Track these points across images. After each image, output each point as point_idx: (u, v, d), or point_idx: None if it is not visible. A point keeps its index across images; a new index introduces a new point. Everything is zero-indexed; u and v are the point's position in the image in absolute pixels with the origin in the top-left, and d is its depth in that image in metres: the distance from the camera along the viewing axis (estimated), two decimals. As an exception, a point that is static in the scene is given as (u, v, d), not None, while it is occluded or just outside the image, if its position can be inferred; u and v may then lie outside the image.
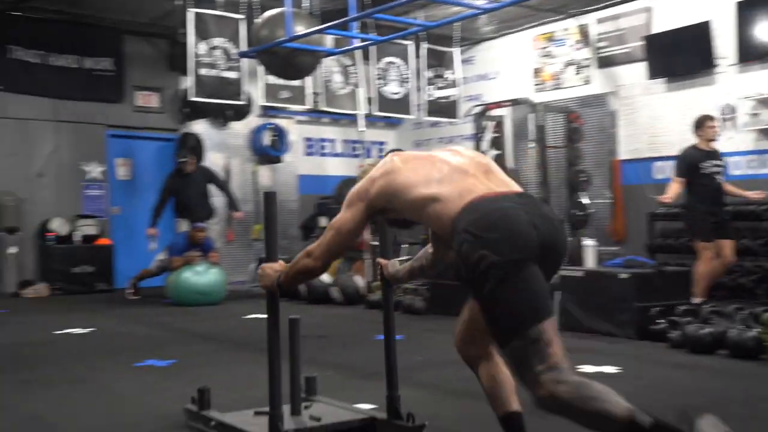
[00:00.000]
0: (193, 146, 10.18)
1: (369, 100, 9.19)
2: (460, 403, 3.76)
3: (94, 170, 9.78)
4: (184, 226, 9.11)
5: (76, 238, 9.22)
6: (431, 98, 9.43)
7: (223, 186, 9.35)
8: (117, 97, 9.90)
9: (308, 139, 11.52)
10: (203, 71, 7.83)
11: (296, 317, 3.08)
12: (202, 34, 7.74)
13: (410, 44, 9.17)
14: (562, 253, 2.20)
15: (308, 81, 8.64)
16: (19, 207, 9.07)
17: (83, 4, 9.04)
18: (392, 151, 2.56)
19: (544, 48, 10.00)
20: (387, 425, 2.90)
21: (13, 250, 8.94)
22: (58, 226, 9.20)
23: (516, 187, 2.33)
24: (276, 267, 2.68)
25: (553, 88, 9.84)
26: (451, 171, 2.32)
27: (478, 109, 9.65)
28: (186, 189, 8.93)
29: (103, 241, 9.48)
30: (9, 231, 8.94)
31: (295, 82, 8.59)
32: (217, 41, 7.86)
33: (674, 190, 6.35)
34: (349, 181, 9.93)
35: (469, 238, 2.10)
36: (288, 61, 7.16)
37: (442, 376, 4.37)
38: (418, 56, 9.24)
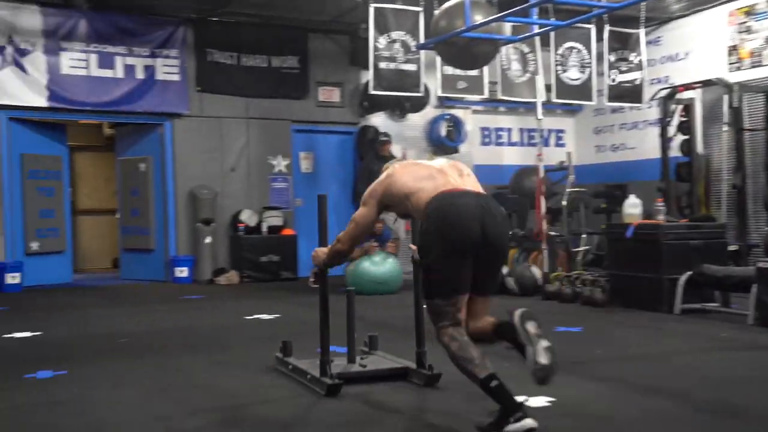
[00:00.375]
0: (372, 138, 10.44)
1: (547, 87, 8.96)
2: (642, 399, 3.59)
3: (280, 164, 10.30)
4: None
5: (263, 229, 9.77)
6: (614, 83, 9.04)
7: None
8: (301, 93, 10.38)
9: (484, 129, 11.45)
10: (383, 65, 8.00)
11: (351, 289, 4.29)
12: (382, 28, 7.91)
13: (592, 28, 8.83)
14: (499, 245, 3.03)
15: (485, 70, 8.57)
16: (214, 200, 9.76)
17: (272, 6, 9.54)
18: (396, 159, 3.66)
19: (743, 23, 9.23)
20: (415, 372, 3.87)
21: (208, 240, 9.65)
22: (248, 217, 9.79)
23: (479, 189, 3.15)
24: (324, 250, 3.67)
25: (752, 66, 9.06)
26: (433, 171, 3.16)
27: (665, 93, 9.12)
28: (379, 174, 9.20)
29: (288, 232, 9.98)
30: (205, 222, 9.64)
31: (473, 72, 8.55)
32: (396, 34, 8.00)
33: None
34: (525, 171, 9.74)
35: (427, 221, 3.00)
36: (466, 51, 7.14)
37: (622, 371, 4.19)
38: (600, 40, 8.88)
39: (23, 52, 8.84)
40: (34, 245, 9.17)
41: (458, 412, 3.30)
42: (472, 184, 3.16)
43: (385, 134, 9.71)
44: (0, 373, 4.21)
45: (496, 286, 3.19)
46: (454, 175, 3.18)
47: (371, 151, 10.26)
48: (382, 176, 3.33)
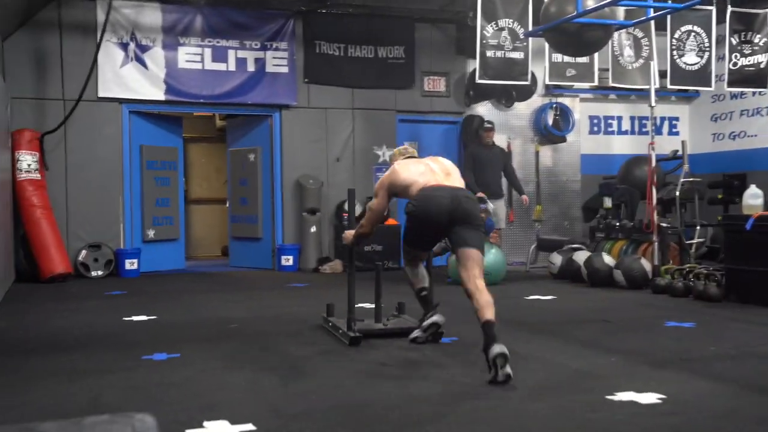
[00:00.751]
0: (476, 128, 10.37)
1: (661, 73, 8.63)
2: (760, 399, 3.44)
3: (385, 153, 10.39)
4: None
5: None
6: (735, 67, 8.61)
7: (512, 171, 9.46)
8: (407, 83, 10.43)
9: (593, 118, 11.16)
10: (490, 53, 7.93)
11: (379, 263, 5.72)
12: (490, 16, 7.85)
13: (713, 9, 8.44)
14: (468, 216, 4.26)
15: (596, 57, 8.36)
16: (319, 189, 9.96)
17: (379, -3, 9.65)
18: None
19: None
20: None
21: (313, 229, 9.86)
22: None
23: (457, 184, 4.41)
24: (351, 233, 4.84)
25: None
26: (426, 170, 4.42)
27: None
28: (483, 161, 9.18)
29: (391, 222, 10.06)
30: (310, 212, 9.86)
31: (582, 59, 8.36)
32: (504, 22, 7.91)
33: None
34: (636, 160, 9.44)
35: (411, 203, 4.36)
36: (577, 38, 6.99)
37: (738, 370, 4.02)
38: (721, 22, 8.47)
39: (144, 48, 9.30)
40: (151, 233, 9.64)
41: (445, 359, 3.53)
42: (453, 180, 4.40)
43: (489, 121, 9.63)
44: (120, 354, 4.46)
45: (477, 243, 4.30)
46: (441, 173, 4.41)
47: (476, 140, 10.22)
48: (388, 171, 4.55)
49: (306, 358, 4.33)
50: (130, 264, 9.06)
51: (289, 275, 9.20)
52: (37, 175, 8.62)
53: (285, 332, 5.19)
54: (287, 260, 9.69)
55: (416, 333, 4.76)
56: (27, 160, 8.56)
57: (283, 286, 8.13)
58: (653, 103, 7.89)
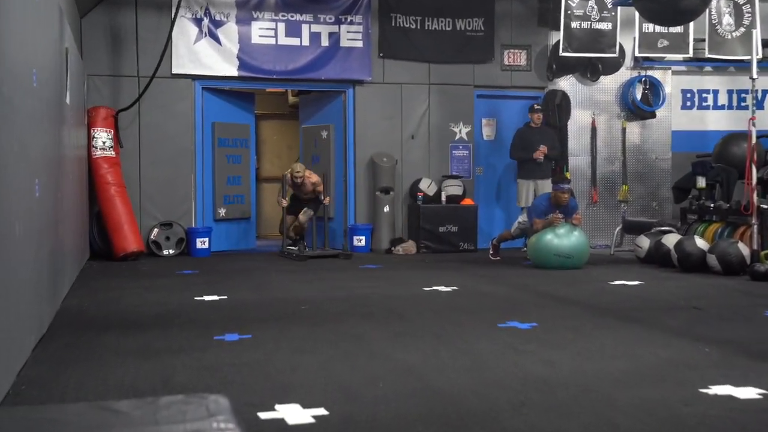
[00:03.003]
0: (558, 103, 10.18)
1: (764, 43, 8.25)
2: None
3: (461, 131, 10.30)
4: (525, 186, 9.30)
5: (442, 198, 9.83)
6: None
7: (554, 154, 9.49)
8: (486, 57, 10.28)
9: (686, 92, 10.80)
10: (575, 24, 7.75)
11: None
12: (576, -15, 7.64)
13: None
14: None
15: (691, 26, 8.06)
16: (393, 168, 9.94)
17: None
18: None
19: None
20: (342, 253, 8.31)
21: (386, 209, 9.87)
22: (427, 186, 9.89)
23: None
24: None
25: None
26: None
27: None
28: (531, 143, 9.16)
29: (467, 202, 9.98)
30: (384, 191, 9.86)
31: (676, 29, 8.07)
32: (591, -8, 7.70)
33: None
34: (734, 137, 9.07)
35: None
36: (671, 6, 6.74)
37: None
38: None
39: (218, 24, 9.43)
40: (222, 211, 9.83)
41: (524, 345, 3.26)
42: None
43: (537, 103, 9.54)
44: (193, 333, 4.56)
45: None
46: None
47: (560, 115, 10.05)
48: None
49: (379, 340, 4.33)
50: (201, 243, 9.26)
51: (362, 256, 9.25)
52: (111, 153, 8.88)
53: (358, 314, 5.21)
54: (359, 241, 9.74)
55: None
56: (102, 137, 8.83)
57: (356, 267, 8.17)
58: (755, 75, 7.54)
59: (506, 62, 10.37)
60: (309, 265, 8.45)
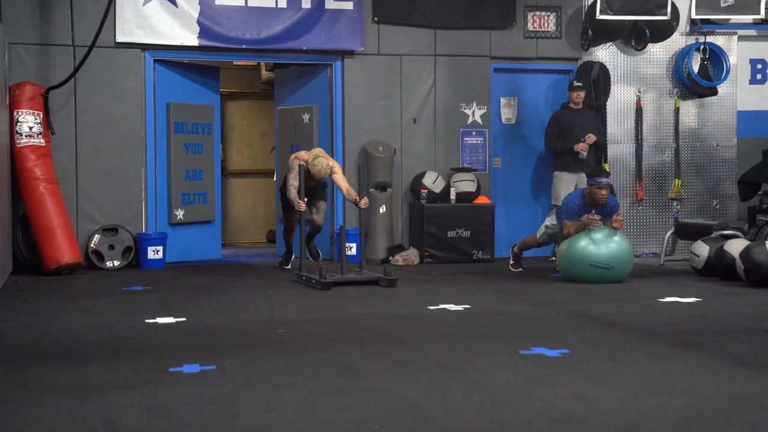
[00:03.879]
0: (595, 79, 10.20)
1: None
2: None
3: (475, 113, 10.33)
4: (566, 180, 9.33)
5: (451, 196, 9.84)
6: None
7: (601, 143, 9.61)
8: (505, 21, 10.32)
9: (756, 62, 10.93)
10: (617, -20, 7.77)
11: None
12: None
13: None
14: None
15: (763, -19, 8.07)
16: (391, 159, 9.96)
17: None
18: None
19: None
20: (383, 279, 7.57)
21: (383, 210, 9.87)
22: (432, 181, 9.90)
23: None
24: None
25: None
26: None
27: None
28: (571, 128, 9.23)
29: (482, 200, 9.98)
30: (379, 187, 9.86)
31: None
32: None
33: None
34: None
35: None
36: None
37: None
38: None
39: (171, -20, 9.43)
40: (180, 213, 9.84)
41: (558, 378, 3.25)
42: None
43: (577, 80, 9.63)
44: (143, 365, 4.54)
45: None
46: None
47: (596, 94, 10.07)
48: None
49: (375, 371, 4.32)
50: (154, 252, 9.26)
51: (351, 267, 9.21)
52: (40, 141, 8.87)
53: (348, 339, 5.21)
54: (349, 248, 9.74)
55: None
56: (28, 121, 8.82)
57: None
58: None
59: (531, 28, 10.42)
60: (286, 277, 8.44)
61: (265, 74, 12.13)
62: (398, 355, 4.72)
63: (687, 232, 9.35)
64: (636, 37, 10.19)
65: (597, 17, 8.13)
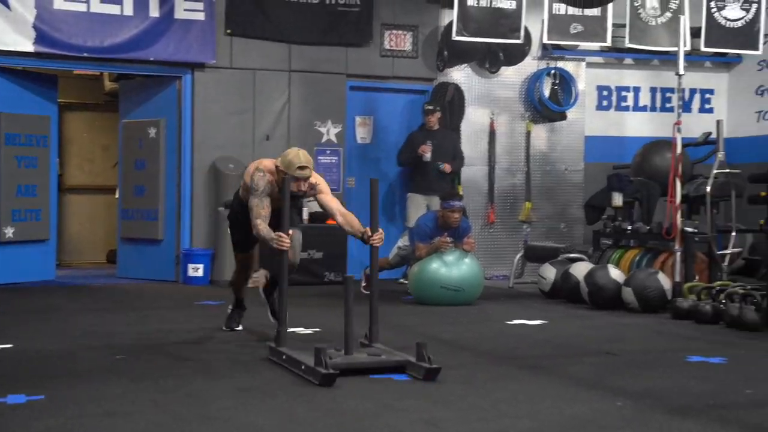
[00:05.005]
0: (450, 100, 10.42)
1: (693, 32, 8.77)
2: None
3: (330, 131, 10.38)
4: (418, 202, 9.53)
5: (304, 216, 9.83)
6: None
7: (457, 165, 9.87)
8: (362, 39, 10.41)
9: (602, 88, 11.33)
10: (471, 2, 7.99)
11: (349, 276, 5.19)
12: (474, -44, 7.91)
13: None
14: None
15: (609, 9, 8.45)
16: (243, 177, 9.84)
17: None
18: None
19: None
20: (414, 365, 4.84)
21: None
22: (281, 200, 9.88)
23: None
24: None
25: None
26: None
27: None
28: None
29: (334, 222, 10.00)
30: (227, 207, 9.74)
31: (592, 11, 8.46)
32: (491, -37, 7.98)
33: None
34: (656, 146, 9.57)
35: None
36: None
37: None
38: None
39: (4, -21, 9.12)
40: (9, 231, 9.49)
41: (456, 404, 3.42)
42: None
43: (429, 103, 9.85)
44: (-37, 393, 4.36)
45: None
46: None
47: (451, 115, 10.28)
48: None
49: (219, 399, 4.29)
50: (-18, 273, 8.92)
51: (199, 290, 9.12)
52: None
53: (191, 365, 5.15)
54: (196, 270, 9.62)
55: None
56: None
57: (190, 304, 8.07)
58: (682, 71, 8.01)
59: (387, 46, 10.55)
60: (127, 300, 8.26)
61: (108, 85, 11.84)
62: (244, 382, 4.69)
63: (535, 255, 9.64)
64: (490, 60, 10.46)
65: (453, 38, 8.32)
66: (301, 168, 5.61)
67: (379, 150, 10.62)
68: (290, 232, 5.57)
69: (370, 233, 5.55)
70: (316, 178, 5.90)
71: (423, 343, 4.79)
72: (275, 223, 5.61)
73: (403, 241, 8.71)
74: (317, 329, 6.52)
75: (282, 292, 5.49)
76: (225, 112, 10.00)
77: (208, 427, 3.80)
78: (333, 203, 5.97)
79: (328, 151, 10.38)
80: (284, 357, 5.07)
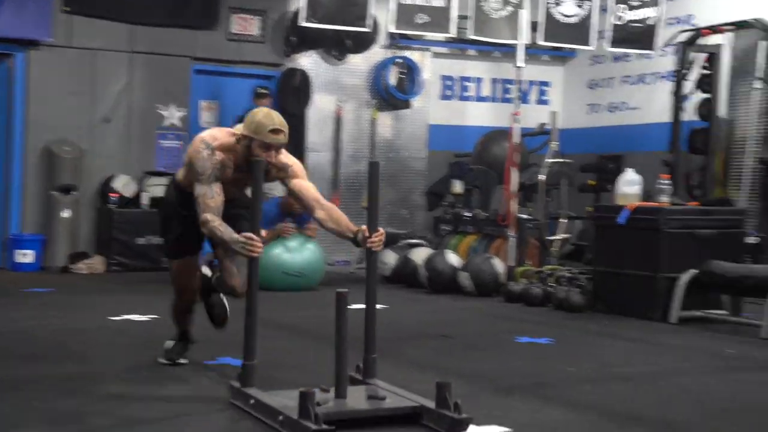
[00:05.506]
0: (298, 86, 10.38)
1: (533, 26, 9.01)
2: (623, 430, 3.74)
3: (173, 115, 10.19)
4: None
5: (143, 201, 9.65)
6: (620, 22, 9.12)
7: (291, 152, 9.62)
8: (208, 21, 10.20)
9: (446, 78, 11.50)
10: (320, -12, 7.95)
11: (344, 291, 3.91)
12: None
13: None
14: None
15: (455, 1, 8.58)
16: (78, 160, 9.58)
17: None
18: None
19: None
20: (434, 414, 3.62)
21: (66, 214, 9.48)
22: (123, 185, 9.65)
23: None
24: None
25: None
26: None
27: (684, 36, 9.27)
28: None
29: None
30: (63, 190, 9.45)
31: (437, 2, 8.57)
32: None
33: None
34: (495, 135, 9.81)
35: None
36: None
37: (600, 395, 4.31)
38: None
39: None
40: None
41: None
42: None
43: (262, 86, 9.71)
44: None
45: None
46: None
47: (299, 101, 10.22)
48: None
49: (49, 390, 4.15)
50: None
51: (28, 276, 8.80)
52: None
53: (16, 357, 4.96)
54: (24, 255, 9.28)
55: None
56: None
57: (17, 291, 7.74)
58: (521, 63, 8.21)
59: (234, 30, 10.41)
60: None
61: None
62: (75, 370, 4.58)
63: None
64: (337, 47, 10.50)
65: (300, 24, 8.28)
66: (275, 131, 4.17)
67: (226, 134, 10.48)
68: (263, 233, 4.31)
69: (367, 233, 4.15)
70: (288, 158, 4.42)
71: (446, 384, 3.61)
72: (230, 219, 4.28)
73: (243, 229, 8.64)
74: (155, 316, 6.37)
75: (251, 313, 4.10)
76: (61, 92, 9.64)
77: (31, 421, 3.68)
78: (310, 191, 4.44)
79: (170, 135, 10.19)
80: (253, 402, 3.79)
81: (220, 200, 4.23)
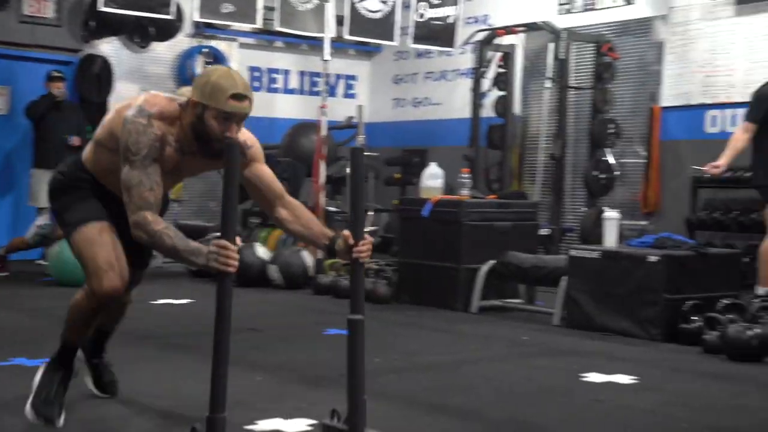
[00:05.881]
0: (98, 73, 10.09)
1: (339, 20, 9.12)
2: (425, 418, 3.88)
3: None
4: (42, 179, 9.04)
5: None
6: (422, 19, 9.38)
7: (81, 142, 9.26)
8: (-1, 2, 9.77)
9: (254, 69, 11.49)
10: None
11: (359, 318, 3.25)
12: None
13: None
14: None
15: (260, -9, 8.57)
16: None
17: None
18: None
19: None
20: None
21: None
22: None
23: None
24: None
25: (584, 9, 9.76)
26: None
27: (481, 36, 9.61)
28: (52, 124, 8.83)
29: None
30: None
31: (244, -8, 8.52)
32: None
33: (739, 141, 6.41)
34: (303, 128, 9.88)
35: None
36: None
37: (404, 384, 4.47)
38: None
39: None
40: None
41: None
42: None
43: (58, 70, 9.24)
44: None
45: None
46: None
47: (99, 89, 9.91)
48: None
49: None
50: None
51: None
52: None
53: None
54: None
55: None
56: None
57: None
58: (327, 56, 8.30)
59: (27, 12, 10.01)
60: None
61: None
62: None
63: (185, 234, 9.54)
64: (140, 34, 10.26)
65: (99, 8, 8.03)
66: (237, 97, 3.15)
67: (18, 122, 9.96)
68: (238, 240, 3.06)
69: (351, 240, 3.18)
70: (246, 136, 3.46)
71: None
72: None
73: (44, 220, 8.32)
74: None
75: (219, 352, 3.10)
76: None
77: None
78: (275, 183, 3.52)
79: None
80: None
81: (160, 192, 3.25)
